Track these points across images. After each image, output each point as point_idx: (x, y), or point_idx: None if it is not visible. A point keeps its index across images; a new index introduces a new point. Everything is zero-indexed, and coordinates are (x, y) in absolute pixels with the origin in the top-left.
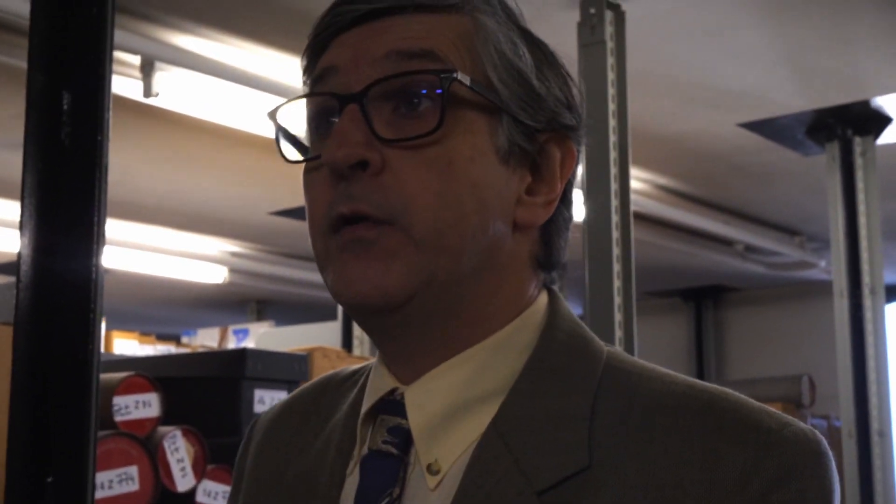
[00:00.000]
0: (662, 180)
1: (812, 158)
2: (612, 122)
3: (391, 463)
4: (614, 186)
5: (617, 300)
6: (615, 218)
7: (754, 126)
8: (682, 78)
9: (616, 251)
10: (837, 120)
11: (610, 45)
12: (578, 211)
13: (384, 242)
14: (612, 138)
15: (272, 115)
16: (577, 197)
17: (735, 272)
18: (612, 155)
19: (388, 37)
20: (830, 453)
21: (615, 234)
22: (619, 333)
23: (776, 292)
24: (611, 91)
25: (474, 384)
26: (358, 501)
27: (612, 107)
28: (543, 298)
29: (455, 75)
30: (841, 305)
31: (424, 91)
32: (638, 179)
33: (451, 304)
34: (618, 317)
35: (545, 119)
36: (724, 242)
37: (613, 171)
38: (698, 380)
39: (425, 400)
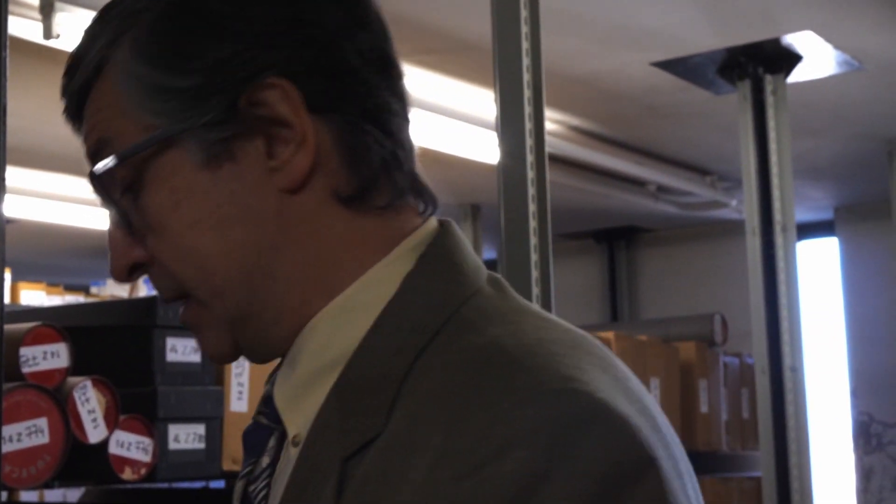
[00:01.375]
0: (575, 121)
1: (723, 97)
2: (525, 61)
3: (264, 434)
4: (528, 126)
5: (533, 240)
6: (530, 158)
7: (667, 65)
8: (595, 17)
9: (531, 191)
10: (749, 58)
11: None
12: (493, 153)
13: (194, 319)
14: (526, 77)
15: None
16: (479, 133)
17: (647, 213)
18: (526, 94)
19: (84, 134)
20: (604, 425)
21: (530, 175)
22: (535, 274)
23: (688, 232)
24: (524, 29)
25: (325, 350)
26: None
27: (525, 45)
28: (411, 241)
29: (98, 171)
30: (753, 243)
31: (108, 192)
32: (550, 120)
33: (276, 310)
34: (534, 257)
35: (228, 92)
36: (637, 183)
37: (528, 110)
38: (535, 331)
39: (287, 370)
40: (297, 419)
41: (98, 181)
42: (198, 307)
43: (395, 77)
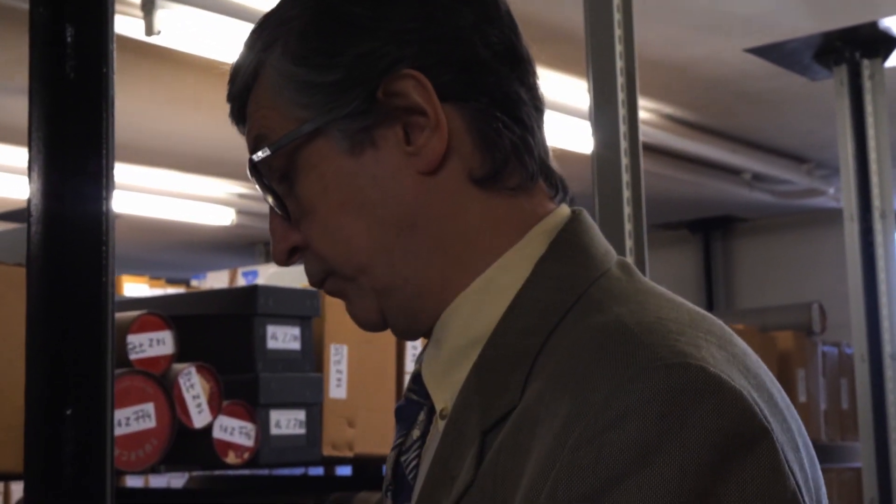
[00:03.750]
0: (668, 109)
1: (820, 83)
2: (618, 48)
3: (414, 408)
4: (622, 113)
5: (627, 227)
6: (624, 145)
7: (761, 51)
8: (687, 3)
9: (626, 178)
10: (845, 43)
11: None
12: (584, 143)
13: (339, 291)
14: (619, 64)
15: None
16: (571, 122)
17: (743, 202)
18: (620, 81)
19: (246, 132)
20: (716, 397)
21: (624, 162)
22: (630, 260)
23: (784, 221)
24: (617, 17)
25: (467, 330)
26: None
27: (618, 33)
28: (544, 226)
29: (255, 160)
30: (851, 230)
31: (266, 181)
32: (643, 109)
33: (417, 285)
34: (628, 244)
35: (366, 84)
36: (732, 171)
37: (621, 96)
38: (656, 310)
39: (433, 349)
40: (444, 394)
41: (256, 171)
42: (343, 281)
43: (524, 70)
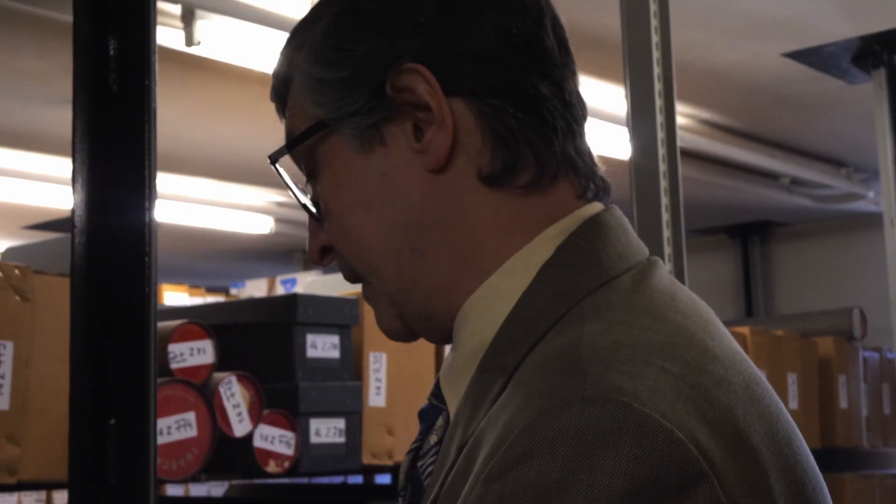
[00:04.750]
0: (706, 115)
1: (858, 87)
2: (655, 54)
3: (434, 412)
4: (660, 119)
5: (666, 233)
6: (661, 151)
7: (799, 55)
8: (724, 8)
9: (664, 184)
10: (884, 46)
11: None
12: (621, 149)
13: (367, 296)
14: (657, 70)
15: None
16: (609, 129)
17: (782, 206)
18: (657, 87)
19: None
20: (637, 438)
21: (662, 168)
22: (668, 267)
23: (824, 225)
24: (654, 23)
25: (473, 338)
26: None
27: (655, 38)
28: (556, 228)
29: (272, 158)
30: (892, 233)
31: (287, 179)
32: (681, 115)
33: (427, 287)
34: (667, 250)
35: (372, 80)
36: (770, 176)
37: (659, 103)
38: (624, 331)
39: (451, 354)
40: (457, 401)
41: (278, 170)
42: (367, 286)
43: (548, 63)
